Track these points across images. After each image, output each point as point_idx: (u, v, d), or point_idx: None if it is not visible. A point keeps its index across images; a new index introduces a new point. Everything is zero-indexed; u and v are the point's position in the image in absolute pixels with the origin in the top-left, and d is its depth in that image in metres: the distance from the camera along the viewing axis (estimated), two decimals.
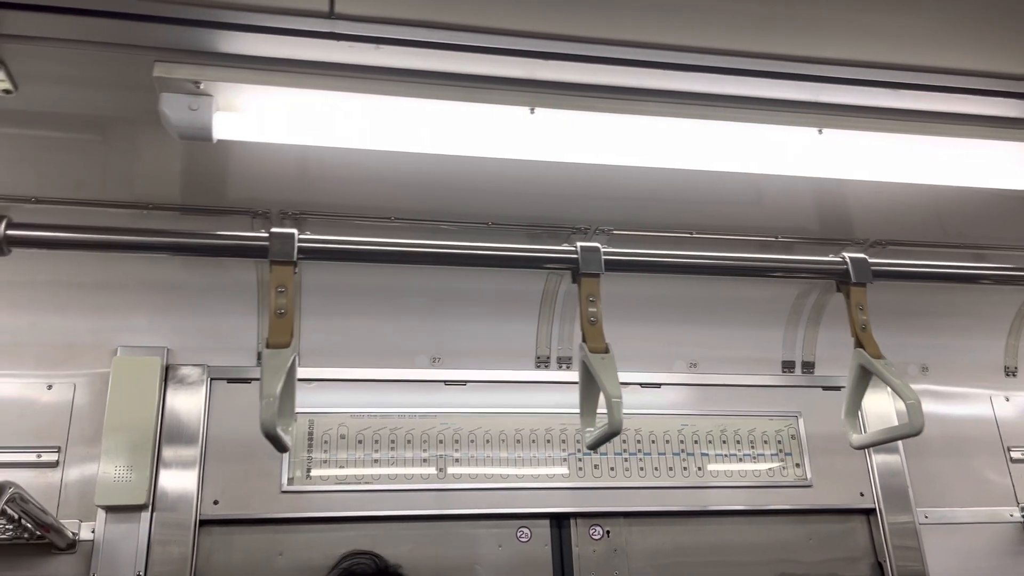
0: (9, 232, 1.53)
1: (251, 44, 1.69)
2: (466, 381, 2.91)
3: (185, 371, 2.68)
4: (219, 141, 1.81)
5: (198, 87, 1.71)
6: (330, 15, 1.61)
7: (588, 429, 1.75)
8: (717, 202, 2.62)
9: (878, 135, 2.03)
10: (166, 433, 2.59)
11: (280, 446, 1.56)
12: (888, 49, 1.86)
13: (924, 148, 2.11)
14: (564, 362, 3.00)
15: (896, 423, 3.04)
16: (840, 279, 1.94)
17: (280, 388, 1.54)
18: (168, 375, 2.66)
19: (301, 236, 1.69)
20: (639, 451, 2.92)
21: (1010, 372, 3.38)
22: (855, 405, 1.90)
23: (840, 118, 1.97)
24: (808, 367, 3.17)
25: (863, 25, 1.84)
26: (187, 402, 2.65)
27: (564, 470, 2.85)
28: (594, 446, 1.74)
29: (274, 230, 1.68)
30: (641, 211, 2.66)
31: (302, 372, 2.40)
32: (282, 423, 1.57)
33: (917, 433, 1.70)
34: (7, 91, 1.75)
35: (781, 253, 2.83)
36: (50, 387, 2.60)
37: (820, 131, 1.97)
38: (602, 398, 1.72)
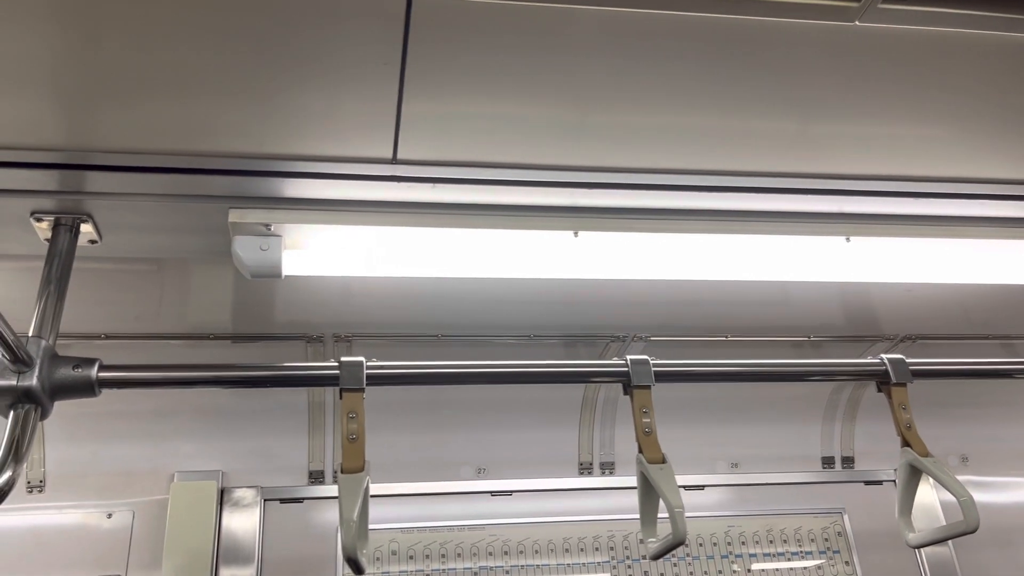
0: (101, 375, 1.63)
1: (318, 188, 1.83)
2: (512, 491, 2.95)
3: (239, 493, 2.75)
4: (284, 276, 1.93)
5: (268, 229, 1.85)
6: (392, 160, 1.75)
7: (650, 539, 1.80)
8: (748, 306, 2.72)
9: (902, 240, 2.14)
10: (223, 555, 2.64)
11: (358, 568, 1.62)
12: (907, 161, 1.98)
13: (947, 250, 2.21)
14: (607, 468, 3.04)
15: (941, 513, 3.06)
16: (881, 379, 2.01)
17: (357, 512, 1.61)
18: (223, 498, 2.73)
19: (369, 364, 1.78)
20: (687, 555, 2.93)
21: None
22: (908, 504, 1.93)
23: (866, 226, 2.09)
24: (848, 462, 3.20)
25: (883, 139, 1.95)
26: (242, 523, 2.70)
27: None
28: (657, 556, 1.78)
29: (344, 359, 1.77)
30: (676, 317, 2.76)
31: None
32: (359, 545, 1.63)
33: (973, 530, 1.74)
34: (92, 241, 1.89)
35: (813, 351, 2.93)
36: (110, 516, 2.66)
37: (848, 239, 2.09)
38: (662, 507, 1.77)
